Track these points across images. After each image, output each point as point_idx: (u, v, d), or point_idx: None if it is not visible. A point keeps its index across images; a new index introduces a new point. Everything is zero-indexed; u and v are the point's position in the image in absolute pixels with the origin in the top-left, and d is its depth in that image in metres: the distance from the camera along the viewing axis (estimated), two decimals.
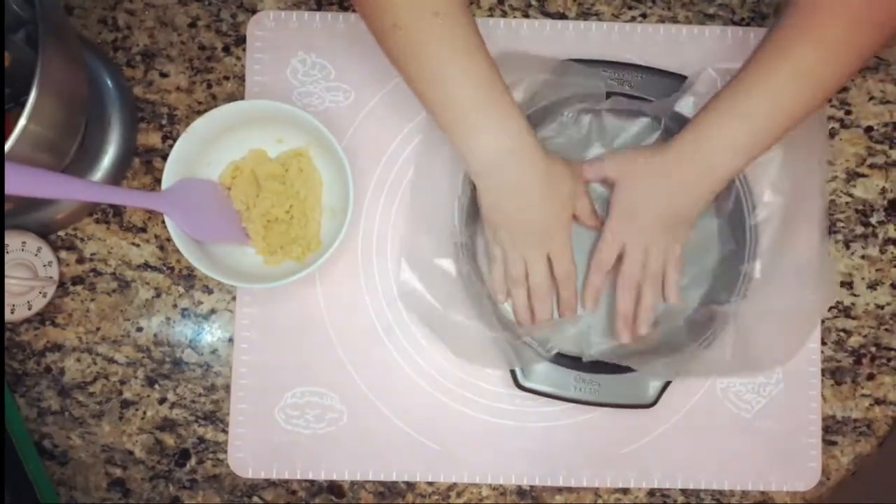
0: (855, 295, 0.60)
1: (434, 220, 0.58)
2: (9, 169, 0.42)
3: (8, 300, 0.56)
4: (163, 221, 0.58)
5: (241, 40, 0.61)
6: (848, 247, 0.61)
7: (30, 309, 0.56)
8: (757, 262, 0.57)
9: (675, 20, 0.62)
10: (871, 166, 0.61)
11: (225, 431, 0.58)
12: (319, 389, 0.59)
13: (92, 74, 0.58)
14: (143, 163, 0.60)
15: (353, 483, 0.59)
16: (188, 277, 0.59)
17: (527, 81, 0.57)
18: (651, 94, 0.58)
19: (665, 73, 0.58)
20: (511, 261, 0.55)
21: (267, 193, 0.57)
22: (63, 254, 0.59)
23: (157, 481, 0.59)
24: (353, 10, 0.61)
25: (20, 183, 0.43)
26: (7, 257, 0.56)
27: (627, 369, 0.56)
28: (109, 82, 0.59)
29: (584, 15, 0.61)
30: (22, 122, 0.44)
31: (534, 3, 0.62)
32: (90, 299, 0.59)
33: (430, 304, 0.57)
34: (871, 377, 0.60)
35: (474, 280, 0.57)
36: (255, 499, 0.59)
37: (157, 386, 0.59)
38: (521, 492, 0.59)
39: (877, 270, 0.61)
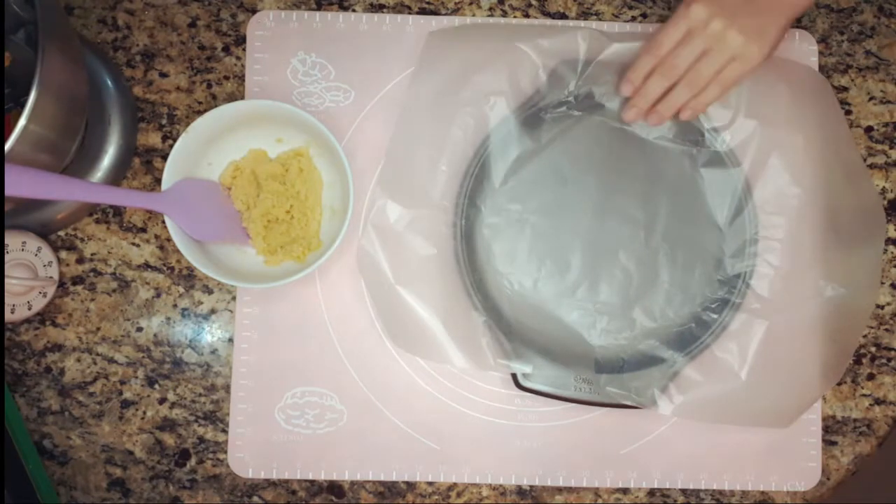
0: None
1: (413, 191, 0.57)
2: (9, 170, 0.42)
3: (8, 300, 0.56)
4: (163, 221, 0.58)
5: (240, 40, 0.61)
6: None
7: (30, 309, 0.56)
8: (755, 273, 0.57)
9: None
10: (872, 166, 0.61)
11: (225, 431, 0.58)
12: (319, 389, 0.59)
13: (92, 74, 0.58)
14: (143, 163, 0.60)
15: (353, 483, 0.59)
16: (188, 277, 0.59)
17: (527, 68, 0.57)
18: None
19: None
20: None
21: (267, 193, 0.57)
22: (63, 254, 0.59)
23: (157, 481, 0.59)
24: (353, 10, 0.61)
25: (20, 184, 0.43)
26: (7, 257, 0.56)
27: (628, 369, 0.57)
28: (109, 82, 0.58)
29: (585, 14, 0.61)
30: (22, 122, 0.44)
31: (534, 2, 0.61)
32: (90, 299, 0.59)
33: (384, 276, 0.56)
34: (871, 377, 0.60)
35: (463, 263, 0.57)
36: (255, 499, 0.59)
37: (157, 386, 0.59)
38: (521, 492, 0.59)
39: None
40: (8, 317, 0.56)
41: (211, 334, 0.59)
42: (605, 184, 0.59)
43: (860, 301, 0.58)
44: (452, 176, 0.58)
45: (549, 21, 0.61)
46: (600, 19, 0.61)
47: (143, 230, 0.59)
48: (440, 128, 0.58)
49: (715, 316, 0.57)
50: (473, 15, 0.61)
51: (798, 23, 0.62)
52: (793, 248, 0.58)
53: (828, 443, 0.60)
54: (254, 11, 0.61)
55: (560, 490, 0.59)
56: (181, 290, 0.59)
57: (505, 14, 0.61)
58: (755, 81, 0.58)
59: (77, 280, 0.59)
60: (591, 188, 0.59)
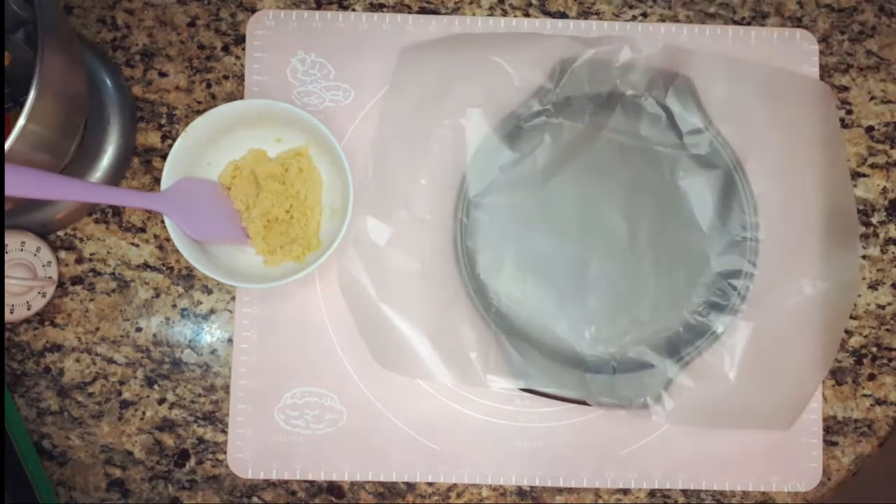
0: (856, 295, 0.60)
1: (393, 206, 0.57)
2: (8, 170, 0.42)
3: (7, 300, 0.55)
4: (162, 221, 0.58)
5: (240, 39, 0.60)
6: None
7: (29, 309, 0.56)
8: (740, 275, 0.57)
9: (675, 19, 0.61)
10: (872, 166, 0.61)
11: (224, 432, 0.58)
12: (319, 390, 0.58)
13: (91, 74, 0.58)
14: (142, 162, 0.60)
15: (352, 483, 0.59)
16: (187, 277, 0.59)
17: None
18: (652, 94, 0.58)
19: (666, 72, 0.58)
20: None
21: (267, 193, 0.57)
22: (62, 254, 0.59)
23: (157, 482, 0.58)
24: (353, 10, 0.61)
25: (19, 184, 0.43)
26: (6, 257, 0.56)
27: (628, 369, 0.57)
28: (108, 82, 0.58)
29: (585, 14, 0.61)
30: (21, 121, 0.43)
31: (534, 2, 0.61)
32: (89, 299, 0.59)
33: (367, 295, 0.57)
34: (872, 377, 0.60)
35: (465, 272, 0.57)
36: (255, 499, 0.58)
37: (156, 386, 0.59)
38: (521, 492, 0.59)
39: (878, 270, 0.61)
40: (7, 317, 0.56)
41: (210, 334, 0.59)
42: (587, 191, 0.59)
43: (841, 297, 0.58)
44: (433, 189, 0.58)
45: (549, 21, 0.61)
46: (601, 19, 0.61)
47: (143, 230, 0.59)
48: (418, 142, 0.58)
49: (702, 319, 0.57)
50: (473, 14, 0.61)
51: (799, 22, 0.62)
52: (774, 249, 0.58)
53: (828, 443, 0.59)
54: (253, 11, 0.61)
55: (560, 491, 0.59)
56: (180, 290, 0.59)
57: (505, 13, 0.61)
58: (736, 86, 0.58)
59: (76, 280, 0.59)
60: (572, 196, 0.58)
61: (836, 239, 0.58)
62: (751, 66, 0.59)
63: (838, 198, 0.59)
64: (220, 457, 0.58)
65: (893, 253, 0.61)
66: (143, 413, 0.59)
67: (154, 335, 0.59)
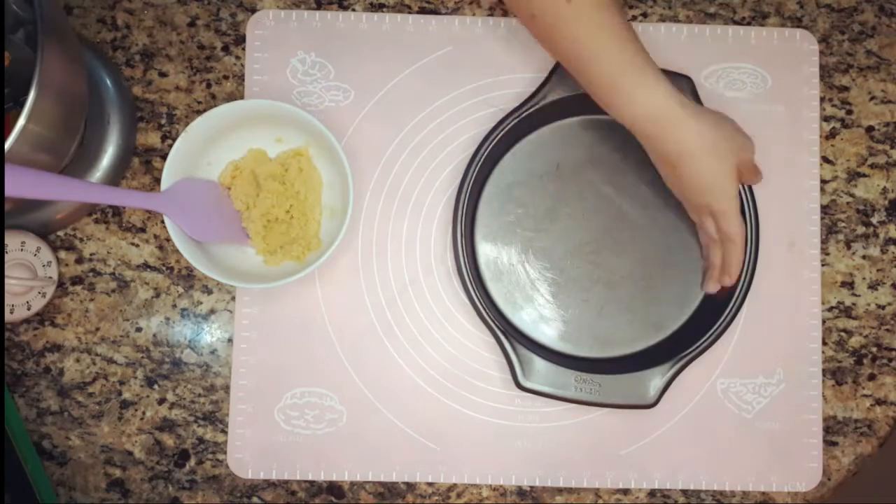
0: (856, 295, 0.60)
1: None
2: (8, 170, 0.42)
3: (7, 300, 0.55)
4: (162, 221, 0.58)
5: (240, 40, 0.60)
6: (849, 247, 0.61)
7: (29, 309, 0.56)
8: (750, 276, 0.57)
9: (675, 19, 0.61)
10: (872, 166, 0.61)
11: (224, 432, 0.58)
12: (319, 390, 0.58)
13: (91, 74, 0.58)
14: (142, 162, 0.60)
15: (352, 483, 0.59)
16: (187, 277, 0.59)
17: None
18: None
19: (665, 72, 0.58)
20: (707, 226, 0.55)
21: (267, 193, 0.57)
22: (62, 254, 0.59)
23: (157, 482, 0.58)
24: (353, 10, 0.61)
25: (19, 184, 0.43)
26: (6, 257, 0.56)
27: (628, 369, 0.56)
28: (108, 82, 0.58)
29: None
30: (21, 121, 0.43)
31: None
32: (89, 299, 0.59)
33: None
34: (872, 377, 0.60)
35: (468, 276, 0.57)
36: (255, 499, 0.58)
37: (156, 386, 0.59)
38: (521, 492, 0.59)
39: (878, 270, 0.61)
40: (7, 317, 0.56)
41: (210, 334, 0.59)
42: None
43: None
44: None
45: None
46: None
47: (143, 230, 0.59)
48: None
49: (712, 317, 0.57)
50: (473, 15, 0.61)
51: (799, 22, 0.62)
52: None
53: (829, 443, 0.59)
54: (253, 11, 0.61)
55: (560, 491, 0.59)
56: (180, 290, 0.59)
57: (505, 14, 0.61)
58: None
59: (76, 280, 0.59)
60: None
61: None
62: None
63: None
64: (221, 457, 0.58)
65: (893, 253, 0.61)
66: (143, 413, 0.59)
67: (154, 335, 0.59)
